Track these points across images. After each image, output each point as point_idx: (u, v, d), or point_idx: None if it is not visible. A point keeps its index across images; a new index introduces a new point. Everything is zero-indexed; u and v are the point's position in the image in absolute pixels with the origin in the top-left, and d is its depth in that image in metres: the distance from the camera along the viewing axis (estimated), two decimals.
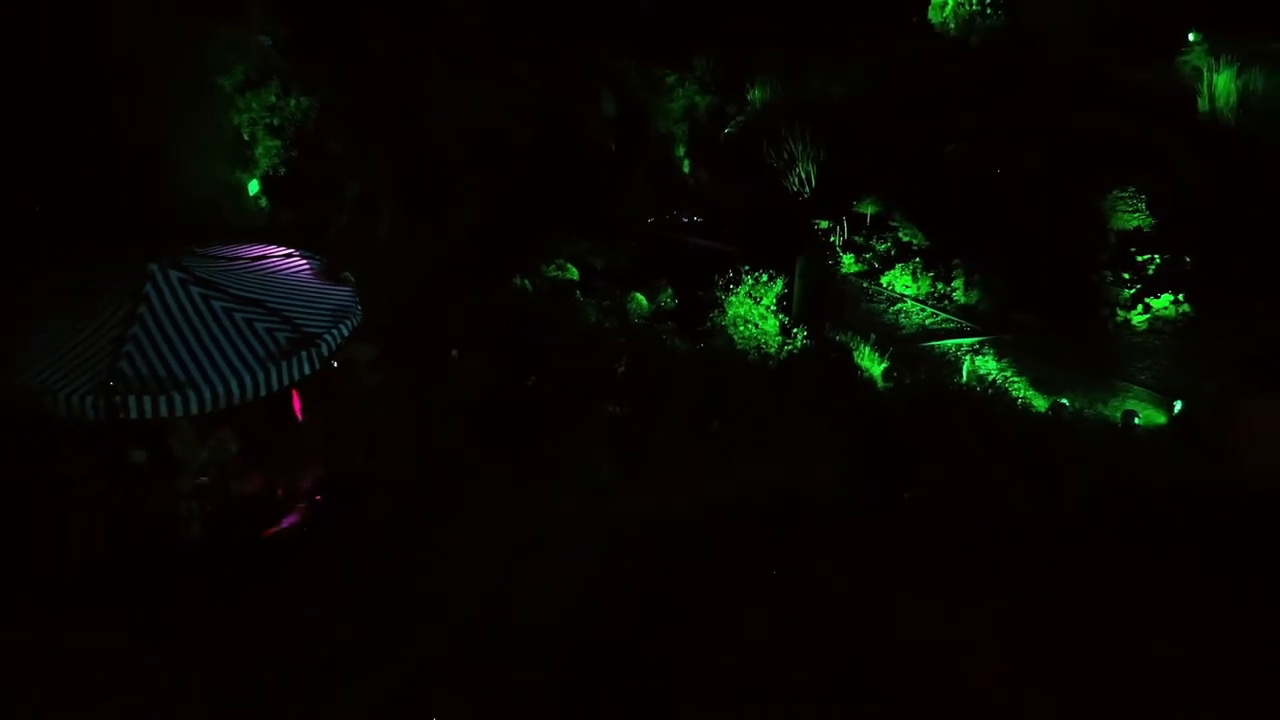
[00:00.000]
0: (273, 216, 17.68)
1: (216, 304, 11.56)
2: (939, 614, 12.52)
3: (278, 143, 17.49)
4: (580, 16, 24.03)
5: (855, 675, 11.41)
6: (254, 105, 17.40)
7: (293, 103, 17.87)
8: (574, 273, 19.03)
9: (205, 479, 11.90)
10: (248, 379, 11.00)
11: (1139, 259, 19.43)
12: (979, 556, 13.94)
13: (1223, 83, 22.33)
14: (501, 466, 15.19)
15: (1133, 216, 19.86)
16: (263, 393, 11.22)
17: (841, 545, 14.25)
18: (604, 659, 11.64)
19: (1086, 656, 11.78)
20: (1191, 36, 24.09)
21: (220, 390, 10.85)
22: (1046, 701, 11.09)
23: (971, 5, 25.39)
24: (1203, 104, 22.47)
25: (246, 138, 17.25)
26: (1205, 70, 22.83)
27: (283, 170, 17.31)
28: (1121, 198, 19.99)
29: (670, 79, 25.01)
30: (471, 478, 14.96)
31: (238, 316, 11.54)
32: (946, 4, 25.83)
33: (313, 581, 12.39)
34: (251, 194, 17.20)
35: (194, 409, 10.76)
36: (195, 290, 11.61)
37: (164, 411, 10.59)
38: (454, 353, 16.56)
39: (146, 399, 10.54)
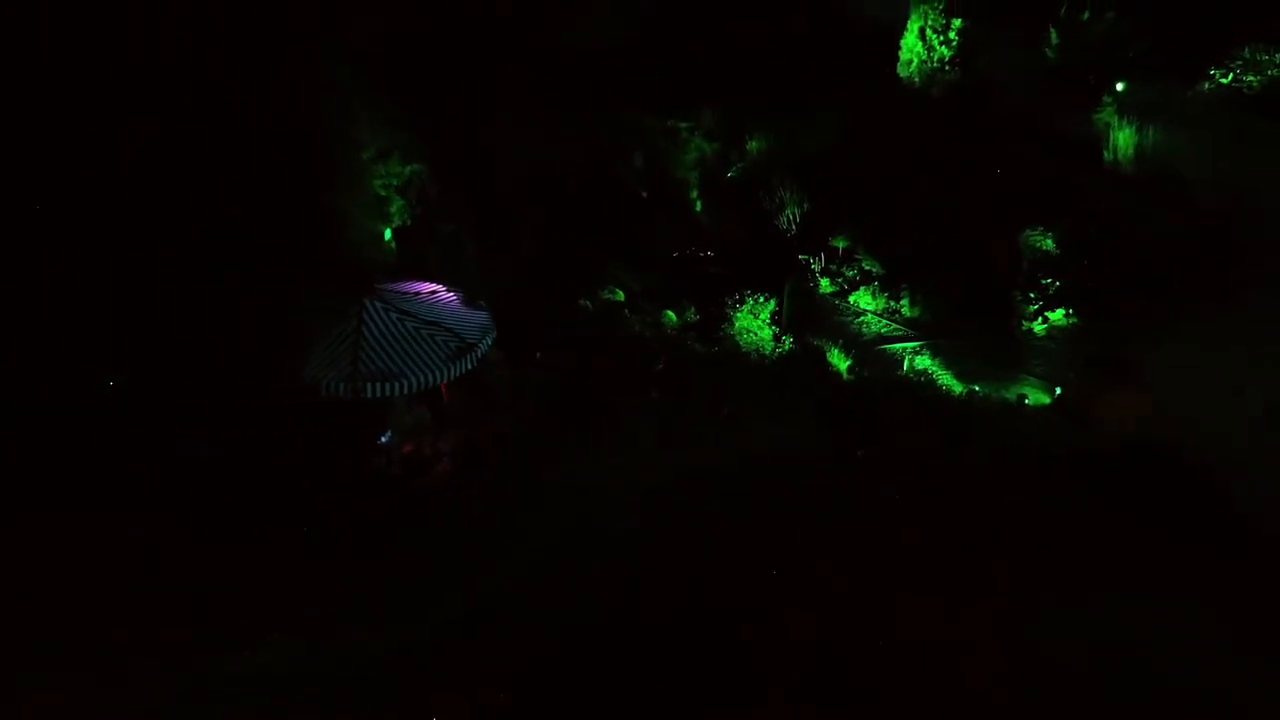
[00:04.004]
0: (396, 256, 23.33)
1: (409, 324, 17.54)
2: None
3: (402, 201, 23.24)
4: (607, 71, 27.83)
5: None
6: (384, 172, 23.13)
7: (408, 169, 23.62)
8: (620, 295, 24.00)
9: (396, 438, 17.80)
10: (437, 372, 17.01)
11: (1044, 281, 23.97)
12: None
13: (1123, 139, 26.25)
14: (571, 435, 19.52)
15: (1040, 249, 24.42)
16: (444, 382, 17.19)
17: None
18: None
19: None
20: (1120, 86, 27.93)
21: (421, 380, 16.83)
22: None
23: (933, 62, 28.40)
24: (1108, 155, 26.37)
25: (383, 196, 22.94)
26: (1112, 126, 26.86)
27: (410, 223, 22.94)
28: (1034, 233, 24.65)
29: (683, 130, 29.25)
30: (551, 443, 19.29)
31: (424, 332, 17.50)
32: (912, 61, 28.87)
33: (459, 509, 17.57)
34: (386, 239, 22.96)
35: (406, 391, 16.74)
36: (393, 315, 17.60)
37: (388, 393, 16.57)
38: (537, 354, 21.61)
39: (377, 385, 16.49)
